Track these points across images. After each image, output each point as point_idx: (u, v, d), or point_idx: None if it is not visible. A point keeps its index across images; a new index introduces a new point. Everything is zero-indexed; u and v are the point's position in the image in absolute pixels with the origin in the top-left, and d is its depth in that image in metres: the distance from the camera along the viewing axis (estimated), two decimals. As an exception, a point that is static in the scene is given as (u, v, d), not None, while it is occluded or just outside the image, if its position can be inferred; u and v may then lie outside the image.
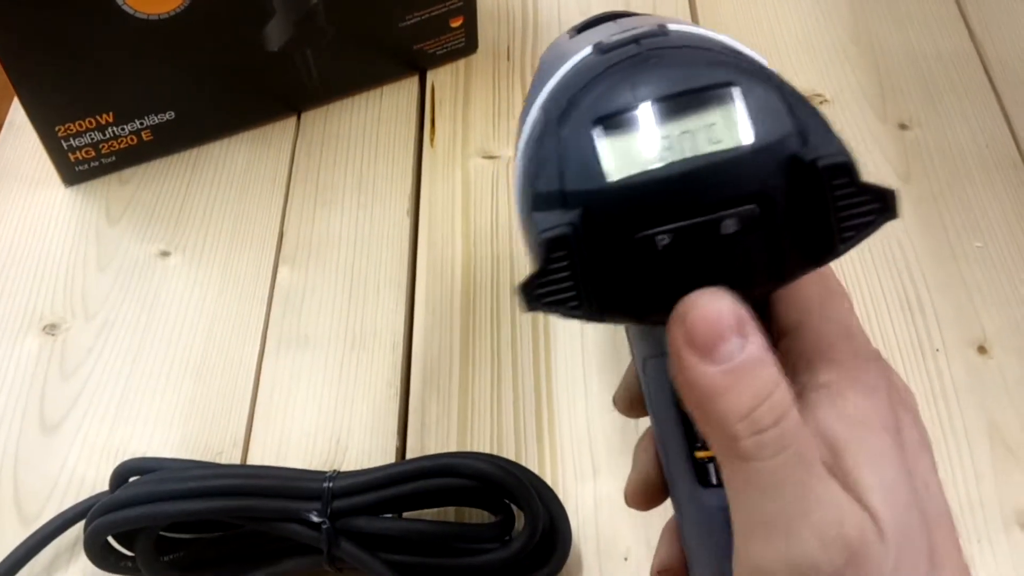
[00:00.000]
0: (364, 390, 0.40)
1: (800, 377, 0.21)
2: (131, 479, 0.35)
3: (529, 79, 0.51)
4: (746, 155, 0.19)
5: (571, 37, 0.25)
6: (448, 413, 0.40)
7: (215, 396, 0.41)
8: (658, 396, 0.23)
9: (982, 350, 0.41)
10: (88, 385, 0.41)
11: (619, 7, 0.28)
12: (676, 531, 0.24)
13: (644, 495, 0.25)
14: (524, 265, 0.44)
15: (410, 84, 0.51)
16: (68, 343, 0.42)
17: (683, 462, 0.22)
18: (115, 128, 0.46)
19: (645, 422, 0.39)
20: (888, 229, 0.47)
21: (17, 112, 0.50)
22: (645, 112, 0.19)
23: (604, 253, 0.19)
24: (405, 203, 0.47)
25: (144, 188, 0.47)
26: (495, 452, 0.38)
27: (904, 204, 0.46)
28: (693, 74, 0.20)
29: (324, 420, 0.40)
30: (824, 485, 0.19)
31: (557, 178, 0.20)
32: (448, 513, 0.37)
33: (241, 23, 0.44)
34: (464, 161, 0.48)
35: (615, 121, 0.20)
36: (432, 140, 0.49)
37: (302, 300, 0.43)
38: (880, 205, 0.20)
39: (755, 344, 0.19)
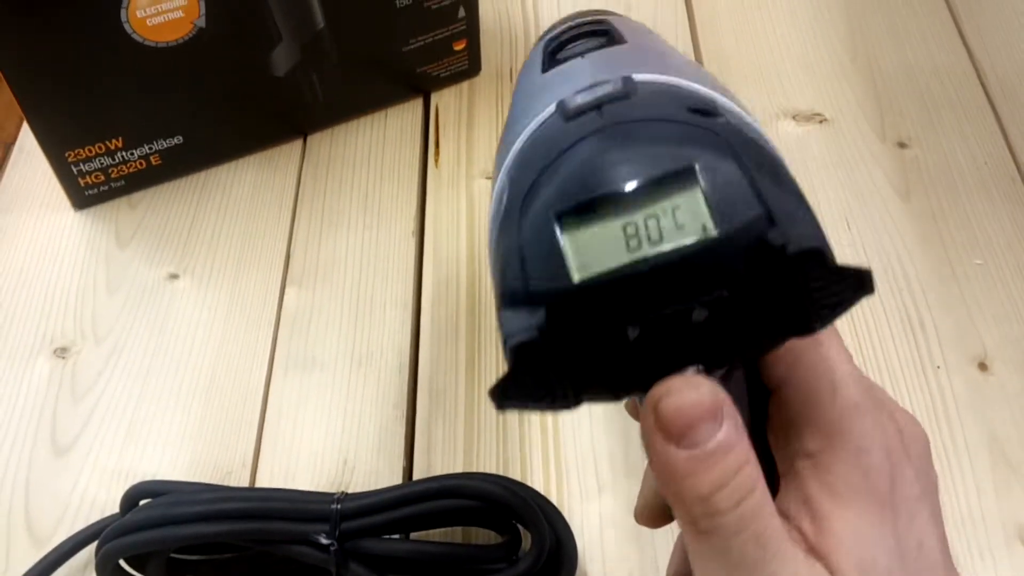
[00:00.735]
0: (371, 411, 0.41)
1: (790, 443, 0.21)
2: (142, 502, 0.36)
3: (532, 100, 0.52)
4: (712, 244, 0.18)
5: (542, 71, 0.24)
6: (454, 434, 0.40)
7: (224, 417, 0.41)
8: None
9: (983, 367, 0.41)
10: (99, 407, 0.41)
11: (619, 10, 0.29)
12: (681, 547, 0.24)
13: (653, 514, 0.26)
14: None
15: (414, 106, 0.52)
16: (78, 366, 0.43)
17: None
18: (124, 153, 0.46)
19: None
20: (889, 247, 0.47)
21: (27, 137, 0.51)
22: (606, 205, 0.19)
23: (574, 350, 0.19)
24: (410, 224, 0.47)
25: (153, 212, 0.48)
26: (501, 472, 0.39)
27: (904, 222, 0.46)
28: (655, 158, 0.19)
29: (331, 441, 0.40)
30: (784, 566, 0.19)
31: (521, 276, 0.19)
32: (455, 534, 0.37)
33: (248, 49, 0.45)
34: (468, 182, 0.49)
35: (576, 216, 0.19)
36: (436, 161, 0.50)
37: (309, 321, 0.44)
38: (855, 284, 0.19)
39: (726, 429, 0.19)
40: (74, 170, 0.46)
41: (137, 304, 0.45)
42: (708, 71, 0.25)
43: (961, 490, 0.38)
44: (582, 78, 0.22)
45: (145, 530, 0.34)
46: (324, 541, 0.34)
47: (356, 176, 0.49)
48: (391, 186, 0.49)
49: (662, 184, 0.19)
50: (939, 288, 0.44)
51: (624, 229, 0.19)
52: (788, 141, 0.49)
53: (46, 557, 0.36)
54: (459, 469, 0.39)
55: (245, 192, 0.49)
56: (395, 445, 0.40)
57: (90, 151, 0.46)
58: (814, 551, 0.19)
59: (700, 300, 0.19)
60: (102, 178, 0.47)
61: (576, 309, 0.19)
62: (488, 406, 0.41)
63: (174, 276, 0.46)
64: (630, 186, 0.19)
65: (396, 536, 0.36)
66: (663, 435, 0.19)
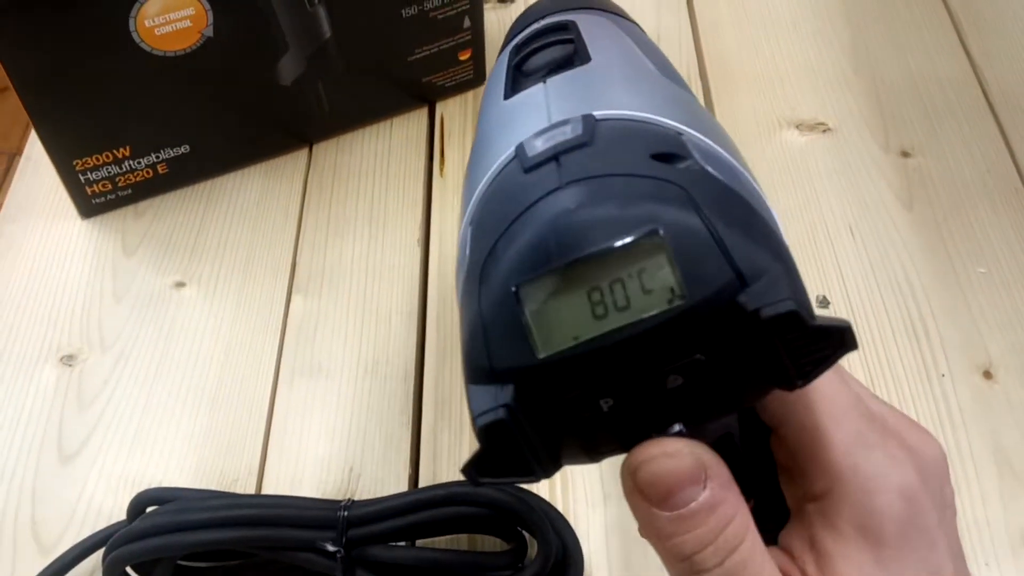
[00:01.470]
0: (377, 419, 0.41)
1: (795, 483, 0.21)
2: (148, 509, 0.36)
3: (536, 109, 0.52)
4: (681, 310, 0.17)
5: (505, 95, 0.23)
6: (460, 441, 0.40)
7: (230, 425, 0.41)
8: None
9: (987, 375, 0.41)
10: (105, 415, 0.42)
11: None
12: None
13: None
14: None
15: (419, 115, 0.52)
16: (85, 374, 0.43)
17: None
18: (131, 162, 0.47)
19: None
20: (893, 256, 0.47)
21: (34, 146, 0.51)
22: (568, 274, 0.17)
23: (545, 424, 0.18)
24: (416, 232, 0.47)
25: (159, 220, 0.48)
26: (507, 479, 0.39)
27: (908, 231, 0.46)
28: (617, 221, 0.17)
29: (337, 448, 0.40)
30: None
31: (485, 352, 0.18)
32: (461, 541, 0.37)
33: (255, 59, 0.46)
34: (473, 191, 0.49)
35: (537, 287, 0.18)
36: (442, 170, 0.50)
37: (315, 329, 0.44)
38: (836, 342, 0.18)
39: (710, 489, 0.18)
40: (81, 179, 0.46)
41: (143, 312, 0.45)
42: (675, 76, 0.23)
43: (966, 498, 0.38)
44: (538, 115, 0.20)
45: (152, 537, 0.34)
46: (331, 548, 0.34)
47: (362, 185, 0.49)
48: (396, 195, 0.49)
49: (625, 250, 0.17)
50: (943, 296, 0.44)
51: (589, 298, 0.17)
52: (792, 150, 0.49)
53: (53, 564, 0.36)
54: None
55: (251, 201, 0.49)
56: (401, 453, 0.40)
57: (97, 160, 0.46)
58: None
59: (673, 367, 0.18)
60: (109, 187, 0.47)
61: (544, 385, 0.18)
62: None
63: (180, 284, 0.46)
64: (591, 253, 0.17)
65: (402, 543, 0.36)
66: (643, 499, 0.19)
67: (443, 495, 0.34)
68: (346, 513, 0.34)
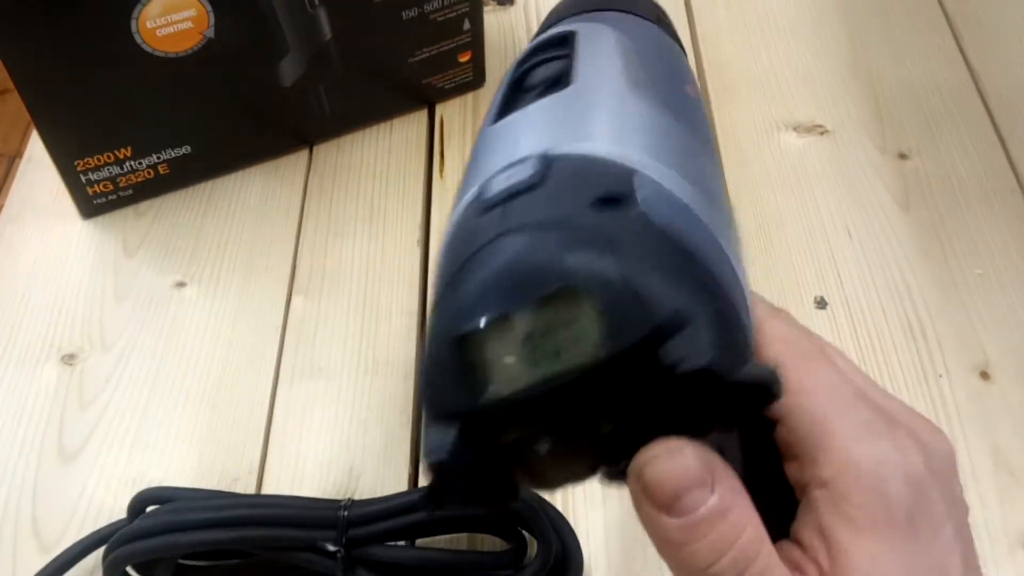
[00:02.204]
0: (377, 419, 0.41)
1: (804, 470, 0.20)
2: (148, 508, 0.36)
3: (536, 111, 0.53)
4: (604, 362, 0.18)
5: (493, 120, 0.24)
6: (460, 441, 0.40)
7: (230, 425, 0.41)
8: None
9: (984, 375, 0.42)
10: (106, 414, 0.42)
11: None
12: None
13: None
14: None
15: (419, 117, 0.52)
16: (86, 373, 0.43)
17: None
18: (133, 162, 0.47)
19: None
20: (890, 258, 0.48)
21: (35, 146, 0.51)
22: (502, 326, 0.18)
23: (489, 463, 0.19)
24: (416, 233, 0.47)
25: (160, 220, 0.48)
26: (506, 479, 0.39)
27: (905, 233, 0.47)
28: (546, 274, 0.18)
29: (338, 448, 0.40)
30: None
31: (432, 394, 0.20)
32: (461, 540, 0.37)
33: (256, 60, 0.46)
34: (473, 192, 0.49)
35: (474, 338, 0.19)
36: (441, 172, 0.50)
37: (315, 330, 0.44)
38: (760, 394, 0.18)
39: (719, 494, 0.18)
40: (83, 179, 0.46)
41: (144, 312, 0.45)
42: (673, 92, 0.23)
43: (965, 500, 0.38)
44: (510, 149, 0.21)
45: (153, 536, 0.34)
46: (331, 548, 0.34)
47: (362, 186, 0.50)
48: (396, 196, 0.49)
49: (553, 302, 0.18)
50: (940, 298, 0.44)
51: (522, 347, 0.18)
52: (789, 152, 0.50)
53: (53, 562, 0.36)
54: (464, 476, 0.39)
55: (252, 201, 0.49)
56: (401, 452, 0.40)
57: (99, 160, 0.46)
58: None
59: (602, 415, 0.18)
60: (110, 187, 0.47)
61: (484, 427, 0.19)
62: (493, 414, 0.41)
63: (181, 284, 0.46)
64: (522, 306, 0.18)
65: (402, 543, 0.36)
66: (651, 503, 0.18)
67: (443, 494, 0.34)
68: (346, 513, 0.34)
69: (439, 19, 0.48)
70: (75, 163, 0.46)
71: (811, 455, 0.20)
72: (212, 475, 0.40)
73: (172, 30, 0.43)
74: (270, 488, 0.39)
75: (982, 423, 0.40)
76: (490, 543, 0.37)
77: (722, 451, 0.20)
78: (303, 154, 0.51)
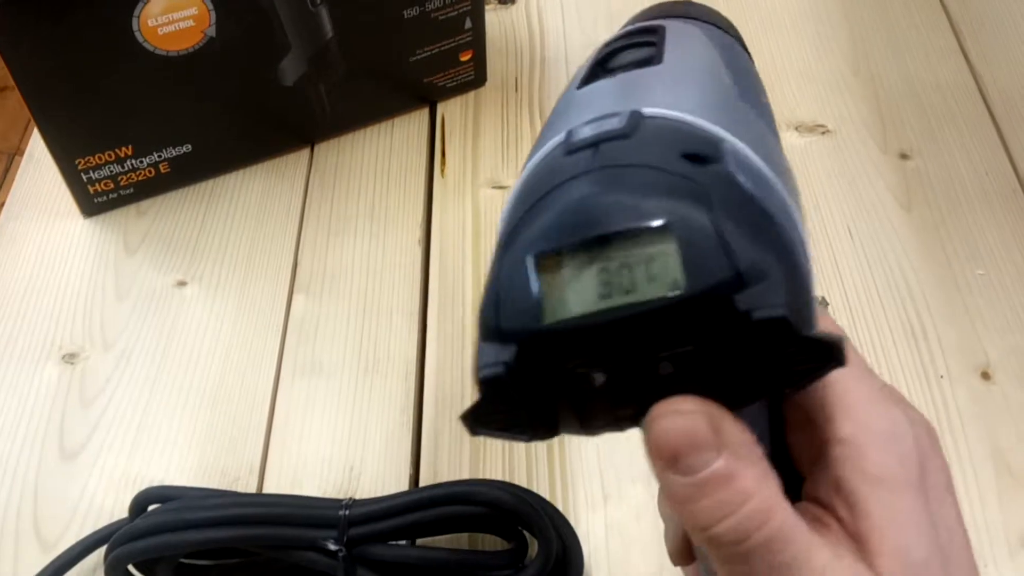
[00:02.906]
0: (378, 417, 0.41)
1: (821, 428, 0.21)
2: (150, 507, 0.36)
3: (537, 110, 0.53)
4: (679, 301, 0.18)
5: (579, 85, 0.24)
6: (460, 440, 0.40)
7: (231, 423, 0.41)
8: None
9: (986, 376, 0.42)
10: (107, 413, 0.42)
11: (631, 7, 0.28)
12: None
13: (686, 550, 0.25)
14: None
15: (421, 116, 0.52)
16: (87, 372, 0.43)
17: None
18: (134, 161, 0.47)
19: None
20: (891, 258, 0.48)
21: (36, 144, 0.51)
22: (582, 251, 0.19)
23: (541, 389, 0.19)
24: (417, 232, 0.47)
25: (161, 219, 0.48)
26: (507, 479, 0.39)
27: (906, 233, 0.47)
28: (635, 209, 0.19)
29: (338, 447, 0.40)
30: None
31: (495, 312, 0.19)
32: (462, 540, 0.37)
33: (257, 59, 0.46)
34: (474, 191, 0.49)
35: (552, 259, 0.19)
36: (443, 170, 0.50)
37: (316, 328, 0.44)
38: (825, 356, 0.18)
39: (725, 459, 0.18)
40: (84, 178, 0.46)
41: (145, 311, 0.45)
42: (750, 94, 0.24)
43: (964, 499, 0.38)
44: (598, 106, 0.22)
45: (154, 535, 0.34)
46: (332, 547, 0.34)
47: (363, 185, 0.50)
48: (398, 195, 0.49)
49: (638, 236, 0.18)
50: (941, 298, 0.44)
51: (598, 276, 0.19)
52: (791, 152, 0.50)
53: (55, 561, 0.36)
54: (465, 476, 0.39)
55: (253, 200, 0.49)
56: (402, 452, 0.40)
57: (100, 159, 0.46)
58: (851, 536, 0.19)
59: (666, 355, 0.19)
60: (111, 185, 0.47)
61: (544, 351, 0.19)
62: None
63: (182, 283, 0.46)
64: (605, 234, 0.19)
65: (403, 542, 0.36)
66: (659, 459, 0.19)
67: (444, 494, 0.34)
68: (347, 512, 0.34)
69: (440, 18, 0.48)
70: (76, 162, 0.46)
71: (827, 415, 0.21)
72: (213, 474, 0.40)
73: (173, 28, 0.43)
74: (271, 487, 0.40)
75: (983, 424, 0.40)
76: (490, 543, 0.37)
77: (751, 423, 0.20)
78: (304, 153, 0.51)
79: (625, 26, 0.26)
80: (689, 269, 0.18)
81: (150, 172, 0.48)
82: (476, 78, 0.53)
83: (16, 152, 0.50)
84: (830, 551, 0.19)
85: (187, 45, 0.44)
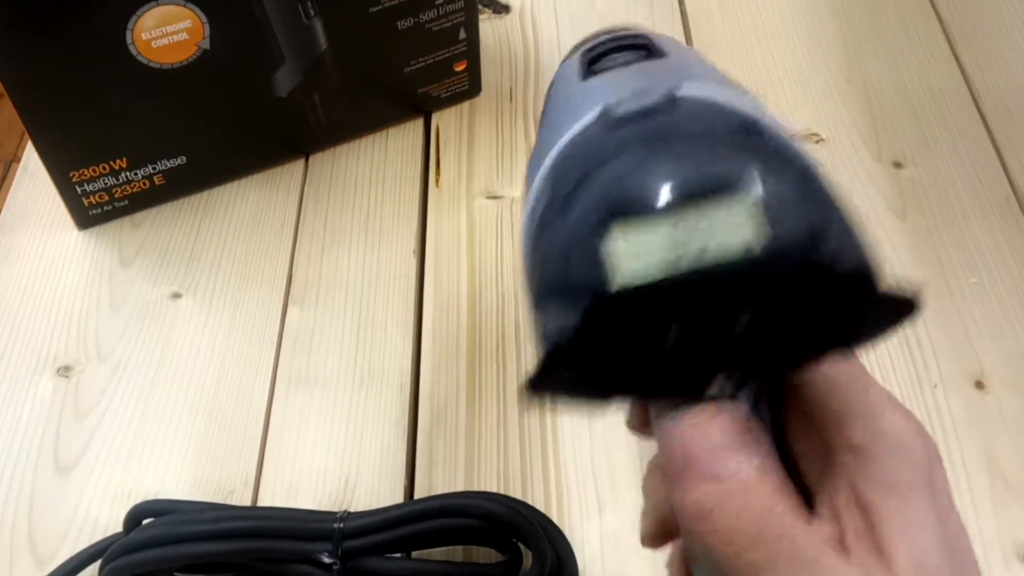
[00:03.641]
0: (372, 429, 0.41)
1: (829, 435, 0.21)
2: (145, 521, 0.36)
3: (532, 120, 0.53)
4: (759, 258, 0.18)
5: (582, 79, 0.23)
6: (455, 452, 0.40)
7: (226, 436, 0.41)
8: None
9: (979, 385, 0.42)
10: (101, 426, 0.42)
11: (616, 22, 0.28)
12: (681, 563, 0.24)
13: (660, 534, 0.25)
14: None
15: (415, 126, 0.52)
16: (81, 384, 0.43)
17: None
18: (128, 173, 0.47)
19: (650, 455, 0.40)
20: (885, 266, 0.48)
21: (31, 157, 0.51)
22: (653, 214, 0.18)
23: (610, 351, 0.19)
24: (411, 243, 0.48)
25: (156, 231, 0.48)
26: (502, 490, 0.39)
27: (900, 241, 0.47)
28: (706, 168, 0.18)
29: (333, 459, 0.40)
30: None
31: (562, 274, 0.19)
32: (456, 552, 0.37)
33: (251, 71, 0.46)
34: (469, 201, 0.49)
35: (620, 223, 0.18)
36: (437, 181, 0.50)
37: (311, 340, 0.44)
38: (898, 311, 0.18)
39: (749, 465, 0.18)
40: (78, 190, 0.46)
41: (140, 323, 0.45)
42: (748, 89, 0.24)
43: (959, 509, 0.38)
44: (625, 87, 0.21)
45: (149, 549, 0.34)
46: (327, 560, 0.34)
47: (358, 196, 0.50)
48: (392, 206, 0.49)
49: (712, 194, 0.18)
50: (935, 306, 0.44)
51: (670, 238, 0.18)
52: (785, 161, 0.50)
53: (49, 576, 0.36)
54: (460, 487, 0.39)
55: (247, 212, 0.49)
56: (396, 463, 0.40)
57: (94, 171, 0.46)
58: (865, 546, 0.19)
59: (741, 312, 0.18)
60: (106, 198, 0.47)
61: (613, 315, 0.18)
62: (489, 425, 0.41)
63: (177, 295, 0.46)
64: (679, 195, 0.18)
65: (398, 555, 0.36)
66: (680, 469, 0.19)
67: (439, 506, 0.34)
68: (342, 525, 0.34)
69: (434, 28, 0.48)
70: (70, 174, 0.46)
71: (837, 421, 0.21)
72: (208, 487, 0.40)
73: (167, 41, 0.43)
74: (266, 500, 0.39)
75: (977, 433, 0.40)
76: (485, 555, 0.37)
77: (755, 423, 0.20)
78: (299, 164, 0.51)
79: (591, 36, 0.26)
80: (769, 224, 0.18)
81: (145, 184, 0.48)
82: (470, 88, 0.53)
83: (13, 159, 0.50)
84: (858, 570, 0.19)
85: (181, 58, 0.44)
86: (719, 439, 0.19)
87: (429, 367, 0.43)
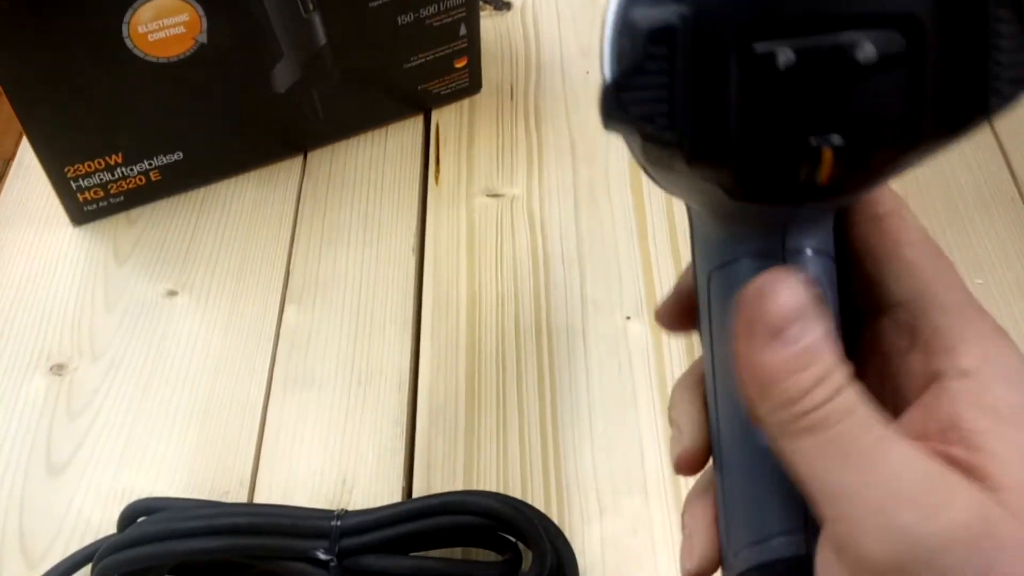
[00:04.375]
0: (370, 429, 0.41)
1: (936, 359, 0.20)
2: (139, 520, 0.35)
3: (532, 117, 0.52)
4: None
5: None
6: (454, 452, 0.40)
7: (222, 435, 0.41)
8: (720, 312, 0.21)
9: (985, 386, 0.41)
10: (95, 425, 0.41)
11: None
12: (712, 515, 0.23)
13: (678, 314, 0.24)
14: (530, 303, 0.44)
15: (415, 123, 0.52)
16: (75, 383, 0.42)
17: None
18: (124, 169, 0.46)
19: (651, 461, 0.39)
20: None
21: (26, 152, 0.51)
22: None
23: (713, 63, 0.16)
24: (410, 241, 0.47)
25: (152, 228, 0.48)
26: (502, 491, 0.38)
27: (905, 240, 0.46)
28: None
29: (330, 459, 0.40)
30: (902, 450, 0.18)
31: None
32: (455, 554, 0.37)
33: (249, 66, 0.45)
34: (469, 199, 0.49)
35: None
36: (437, 179, 0.50)
37: (308, 339, 0.44)
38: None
39: (815, 332, 0.18)
40: (73, 186, 0.46)
41: (135, 321, 0.44)
42: None
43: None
44: None
45: (142, 545, 0.33)
46: (323, 557, 0.33)
47: (356, 193, 0.49)
48: (391, 203, 0.49)
49: None
50: (941, 307, 0.44)
51: None
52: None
53: (40, 577, 0.36)
54: (459, 487, 0.39)
55: (245, 208, 0.49)
56: (395, 463, 0.40)
57: (89, 167, 0.46)
58: (970, 472, 0.18)
59: (871, 33, 0.16)
60: (101, 194, 0.47)
61: (727, 8, 0.16)
62: (489, 426, 0.40)
63: (173, 293, 0.45)
64: None
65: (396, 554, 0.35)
66: (753, 332, 0.18)
67: (438, 504, 0.34)
68: (339, 523, 0.34)
69: (435, 24, 0.48)
70: (65, 169, 0.45)
71: (947, 345, 0.20)
72: (203, 487, 0.39)
73: (164, 35, 0.42)
74: (262, 499, 0.39)
75: (983, 434, 0.40)
76: (483, 556, 0.36)
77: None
78: (297, 161, 0.50)
79: None
80: None
81: (140, 180, 0.47)
82: (471, 85, 0.52)
83: (10, 158, 0.49)
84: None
85: (178, 52, 0.43)
86: (792, 301, 0.18)
87: (428, 367, 0.42)
